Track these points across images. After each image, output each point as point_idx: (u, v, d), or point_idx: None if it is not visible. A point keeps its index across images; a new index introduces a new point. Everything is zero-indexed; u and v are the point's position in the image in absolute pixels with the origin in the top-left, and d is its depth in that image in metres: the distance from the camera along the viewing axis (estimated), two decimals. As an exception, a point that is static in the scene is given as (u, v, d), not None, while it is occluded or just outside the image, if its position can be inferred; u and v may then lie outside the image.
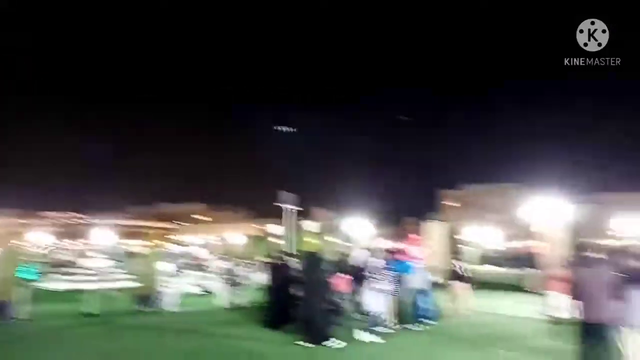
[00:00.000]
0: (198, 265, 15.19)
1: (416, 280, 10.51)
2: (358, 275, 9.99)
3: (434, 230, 22.92)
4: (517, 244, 35.16)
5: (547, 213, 17.18)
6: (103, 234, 43.36)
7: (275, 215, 31.28)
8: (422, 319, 10.42)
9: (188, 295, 15.41)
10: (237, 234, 32.91)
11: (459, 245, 23.96)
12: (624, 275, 6.24)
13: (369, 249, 13.07)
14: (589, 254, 6.06)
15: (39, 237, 51.15)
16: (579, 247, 5.77)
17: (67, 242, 67.94)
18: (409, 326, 10.11)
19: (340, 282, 9.69)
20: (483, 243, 31.61)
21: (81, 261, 23.46)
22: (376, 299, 9.15)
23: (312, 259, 10.28)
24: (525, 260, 20.49)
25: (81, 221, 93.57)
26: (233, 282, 14.44)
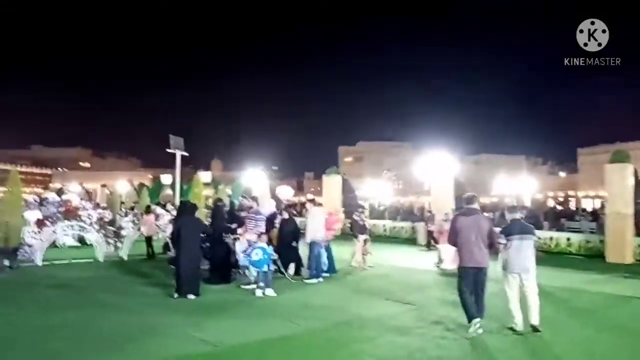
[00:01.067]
0: (75, 215, 13.37)
1: (316, 232, 10.11)
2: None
3: (333, 184, 22.86)
4: (410, 199, 36.79)
5: (436, 170, 18.00)
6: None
7: (166, 165, 29.38)
8: (322, 272, 10.10)
9: (62, 247, 13.71)
10: (122, 183, 30.36)
11: (357, 199, 24.21)
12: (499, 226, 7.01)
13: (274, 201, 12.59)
14: (467, 205, 6.35)
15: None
16: (459, 200, 5.54)
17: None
18: (307, 280, 9.81)
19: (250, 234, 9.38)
20: (378, 197, 32.49)
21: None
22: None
23: (215, 210, 10.41)
24: (418, 215, 21.28)
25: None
26: (112, 233, 13.08)
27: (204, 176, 25.81)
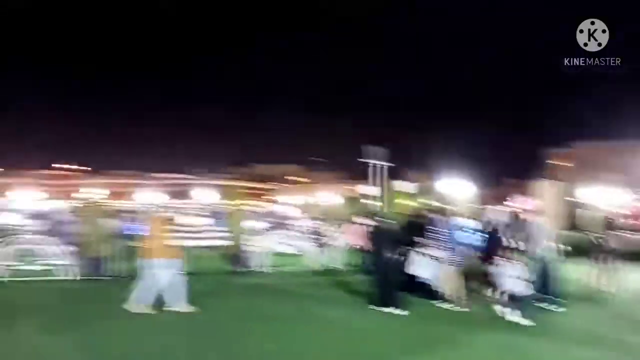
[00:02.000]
0: (289, 225, 14.67)
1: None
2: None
3: (545, 191, 20.51)
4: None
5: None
6: (204, 193, 45.83)
7: (366, 176, 30.53)
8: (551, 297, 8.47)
9: (278, 254, 15.11)
10: (330, 195, 32.49)
11: (576, 208, 21.28)
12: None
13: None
14: None
15: (147, 196, 55.27)
16: None
17: (171, 201, 73.05)
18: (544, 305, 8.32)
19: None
20: (603, 206, 28.02)
21: (183, 219, 24.33)
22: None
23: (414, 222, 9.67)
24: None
25: (185, 181, 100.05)
26: (323, 243, 13.85)
27: (406, 186, 25.83)
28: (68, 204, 17.55)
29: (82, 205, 11.80)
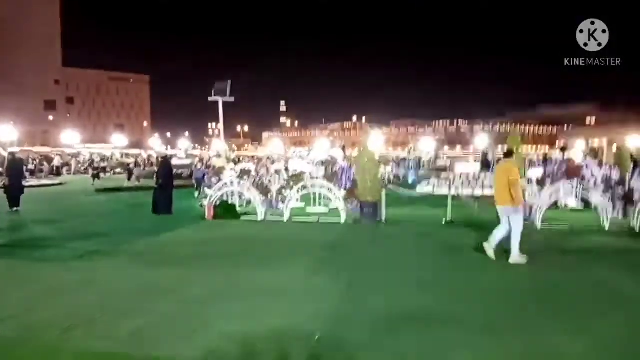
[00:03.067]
0: (578, 175, 12.48)
1: None
2: None
3: None
4: None
5: None
6: (483, 140, 43.95)
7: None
8: None
9: (563, 208, 13.11)
10: (634, 138, 26.57)
11: None
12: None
13: None
14: None
15: (424, 144, 56.47)
16: None
17: (446, 149, 73.10)
18: None
19: None
20: None
21: (455, 167, 23.82)
22: None
23: None
24: None
25: (462, 128, 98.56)
26: (625, 196, 11.29)
27: None
28: (344, 152, 19.16)
29: (356, 152, 12.56)
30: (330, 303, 5.52)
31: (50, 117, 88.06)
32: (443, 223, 11.42)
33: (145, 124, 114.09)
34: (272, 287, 6.19)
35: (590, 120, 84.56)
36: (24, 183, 15.32)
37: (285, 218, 11.91)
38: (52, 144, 58.44)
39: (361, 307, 5.41)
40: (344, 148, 25.49)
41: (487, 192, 18.26)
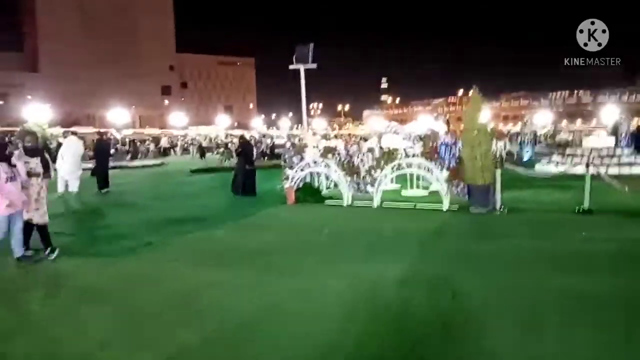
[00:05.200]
0: None
1: None
2: None
3: None
4: None
5: None
6: (610, 113, 38.09)
7: None
8: None
9: None
10: None
11: None
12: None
13: None
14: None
15: (541, 117, 50.74)
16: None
17: (568, 123, 65.41)
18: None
19: None
20: None
21: (585, 141, 20.23)
22: None
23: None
24: None
25: (583, 99, 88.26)
26: None
27: None
28: (447, 126, 16.70)
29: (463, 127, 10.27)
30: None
31: (166, 102, 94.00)
32: (577, 211, 8.87)
33: (251, 105, 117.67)
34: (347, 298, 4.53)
35: None
36: (111, 164, 15.11)
37: (375, 203, 10.13)
38: (166, 126, 61.92)
39: None
40: (447, 122, 22.83)
41: (630, 170, 14.98)
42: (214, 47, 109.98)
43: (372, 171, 10.75)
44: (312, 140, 14.08)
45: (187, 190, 14.12)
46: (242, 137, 13.72)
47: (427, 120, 26.30)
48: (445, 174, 9.92)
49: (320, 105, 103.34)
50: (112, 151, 17.36)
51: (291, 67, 12.31)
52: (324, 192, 11.56)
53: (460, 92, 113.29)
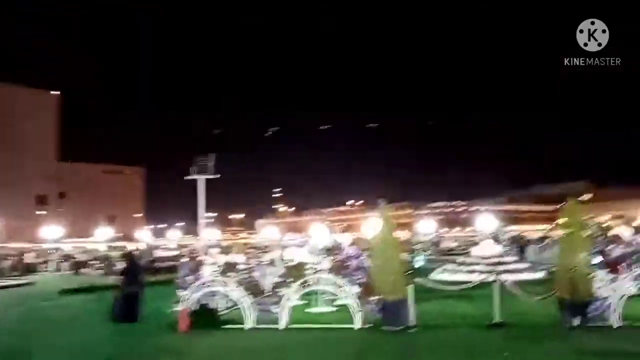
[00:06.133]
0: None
1: None
2: None
3: None
4: None
5: None
6: (486, 220, 41.52)
7: None
8: None
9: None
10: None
11: None
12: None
13: None
14: None
15: (425, 226, 53.95)
16: None
17: (449, 230, 70.50)
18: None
19: None
20: None
21: (473, 249, 21.16)
22: None
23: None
24: None
25: (462, 209, 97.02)
26: None
27: None
28: (353, 237, 16.56)
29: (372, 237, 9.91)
30: None
31: (42, 213, 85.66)
32: (489, 325, 8.60)
33: (138, 215, 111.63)
34: None
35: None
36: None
37: (282, 324, 9.07)
38: (37, 239, 55.54)
39: None
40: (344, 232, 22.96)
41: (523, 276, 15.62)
42: (100, 154, 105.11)
43: (277, 289, 9.78)
44: (211, 255, 12.89)
45: (49, 317, 11.83)
46: (128, 254, 12.06)
47: (322, 229, 26.36)
48: (356, 289, 9.29)
49: (215, 214, 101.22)
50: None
51: (188, 177, 11.47)
52: (222, 312, 10.25)
53: (350, 201, 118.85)
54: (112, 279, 20.66)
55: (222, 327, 9.45)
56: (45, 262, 35.67)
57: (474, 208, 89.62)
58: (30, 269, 32.35)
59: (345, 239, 13.24)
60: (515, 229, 51.28)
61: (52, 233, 44.23)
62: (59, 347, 8.41)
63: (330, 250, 11.41)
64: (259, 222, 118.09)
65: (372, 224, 41.11)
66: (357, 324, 8.77)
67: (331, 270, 9.93)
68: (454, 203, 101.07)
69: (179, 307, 9.72)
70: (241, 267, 11.07)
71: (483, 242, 24.97)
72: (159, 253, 32.84)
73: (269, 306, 9.69)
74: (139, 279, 10.95)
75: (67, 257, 36.65)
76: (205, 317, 9.66)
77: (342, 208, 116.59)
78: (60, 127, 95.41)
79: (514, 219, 76.31)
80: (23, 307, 14.57)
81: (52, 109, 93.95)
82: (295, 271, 10.34)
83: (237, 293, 9.45)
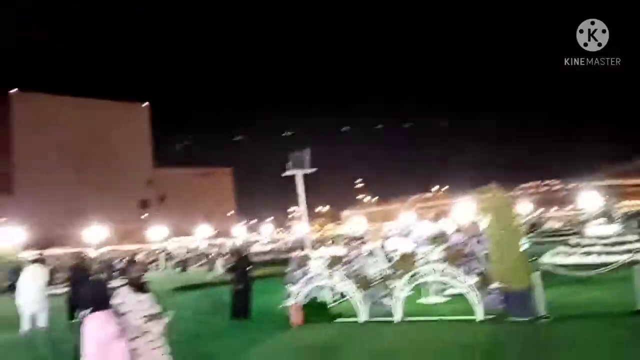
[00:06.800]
0: None
1: None
2: None
3: None
4: None
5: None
6: (589, 198, 38.29)
7: None
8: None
9: None
10: None
11: None
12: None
13: None
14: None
15: (521, 208, 50.90)
16: None
17: (546, 211, 66.09)
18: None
19: None
20: None
21: (585, 229, 19.46)
22: None
23: None
24: None
25: (559, 187, 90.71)
26: None
27: None
28: (458, 224, 15.84)
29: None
30: None
31: (145, 215, 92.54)
32: (634, 311, 7.70)
33: (230, 213, 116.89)
34: None
35: None
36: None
37: (397, 317, 8.80)
38: (144, 240, 59.93)
39: None
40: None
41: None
42: (190, 159, 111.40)
43: (388, 281, 9.50)
44: (317, 251, 12.88)
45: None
46: (237, 251, 12.32)
47: (409, 216, 25.70)
48: (475, 279, 8.78)
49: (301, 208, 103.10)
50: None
51: (285, 173, 11.53)
52: (331, 306, 10.21)
53: (435, 187, 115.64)
54: (212, 276, 21.70)
55: (335, 320, 9.38)
56: (154, 261, 38.32)
57: (571, 185, 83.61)
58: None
59: (449, 227, 12.66)
60: (628, 205, 47.04)
61: (157, 234, 47.44)
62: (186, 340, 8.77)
63: (436, 239, 10.92)
64: (345, 213, 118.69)
65: (464, 210, 39.67)
66: (479, 315, 8.27)
67: (444, 259, 9.47)
68: (548, 182, 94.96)
69: (290, 302, 9.78)
70: (346, 259, 10.92)
71: (596, 221, 22.97)
72: (254, 248, 34.01)
73: (379, 298, 9.47)
74: (248, 275, 11.19)
75: (172, 256, 39.12)
76: (315, 311, 9.65)
77: (428, 194, 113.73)
78: (153, 136, 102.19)
79: (621, 194, 70.00)
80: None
81: (144, 119, 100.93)
82: (403, 262, 10.00)
83: (348, 286, 9.32)
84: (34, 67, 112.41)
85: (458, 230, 11.94)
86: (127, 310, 3.98)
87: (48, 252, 26.18)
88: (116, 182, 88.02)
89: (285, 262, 22.70)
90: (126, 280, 4.36)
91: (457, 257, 9.62)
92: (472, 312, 8.38)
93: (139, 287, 4.29)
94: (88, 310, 3.76)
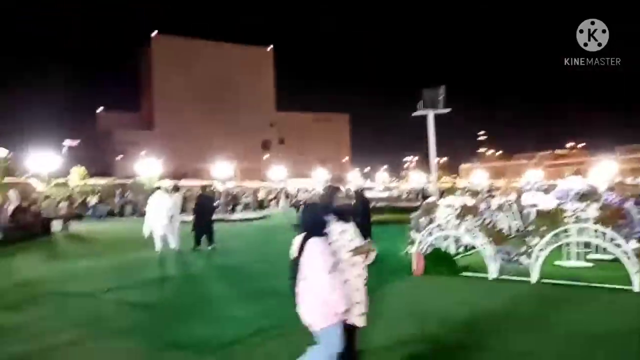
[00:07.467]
0: None
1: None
2: None
3: None
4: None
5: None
6: None
7: None
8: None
9: None
10: None
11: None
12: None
13: None
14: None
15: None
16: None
17: None
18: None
19: None
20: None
21: None
22: None
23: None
24: None
25: None
26: None
27: None
28: (610, 181, 13.91)
29: None
30: None
31: (265, 156, 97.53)
32: None
33: (345, 159, 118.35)
34: None
35: None
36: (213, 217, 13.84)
37: (534, 278, 7.93)
38: (265, 179, 63.25)
39: None
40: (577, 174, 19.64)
41: None
42: (310, 104, 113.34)
43: (527, 238, 8.56)
44: (445, 199, 12.14)
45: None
46: (360, 193, 12.01)
47: (536, 174, 23.23)
48: (635, 244, 7.52)
49: (416, 158, 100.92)
50: (215, 204, 16.62)
51: (416, 113, 10.74)
52: (459, 257, 9.58)
53: (569, 144, 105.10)
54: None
55: (461, 274, 8.78)
56: (274, 199, 40.21)
57: None
58: (262, 204, 36.84)
59: (600, 184, 11.06)
60: None
61: (277, 173, 49.57)
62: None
63: (585, 197, 9.55)
64: (463, 167, 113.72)
65: (607, 169, 35.36)
66: (636, 286, 7.10)
67: (598, 220, 8.24)
68: None
69: (413, 250, 9.34)
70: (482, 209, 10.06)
71: None
72: (369, 194, 33.93)
73: (515, 256, 8.61)
74: (368, 215, 10.91)
75: (289, 195, 40.66)
76: (440, 261, 9.11)
77: (560, 151, 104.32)
78: (276, 79, 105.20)
79: None
80: (271, 239, 16.15)
81: (268, 63, 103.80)
82: (545, 219, 8.92)
83: (480, 239, 8.58)
84: (171, 10, 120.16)
85: (611, 189, 10.39)
86: (334, 240, 3.75)
87: (181, 183, 28.50)
88: (242, 123, 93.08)
89: (402, 210, 22.32)
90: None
91: (614, 217, 8.30)
92: (620, 281, 7.26)
93: (343, 217, 3.98)
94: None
